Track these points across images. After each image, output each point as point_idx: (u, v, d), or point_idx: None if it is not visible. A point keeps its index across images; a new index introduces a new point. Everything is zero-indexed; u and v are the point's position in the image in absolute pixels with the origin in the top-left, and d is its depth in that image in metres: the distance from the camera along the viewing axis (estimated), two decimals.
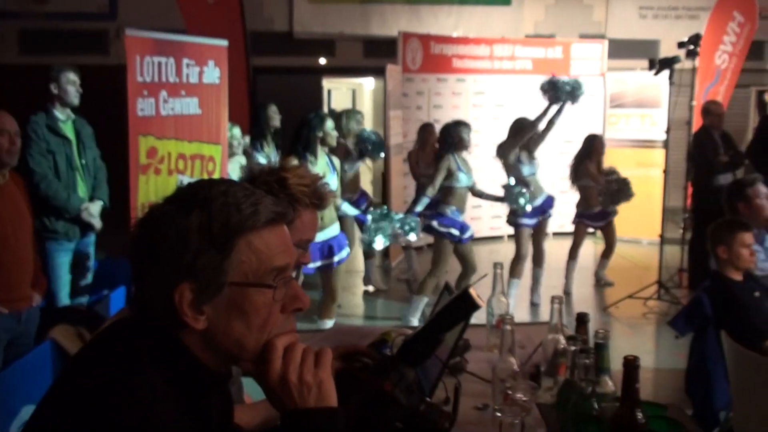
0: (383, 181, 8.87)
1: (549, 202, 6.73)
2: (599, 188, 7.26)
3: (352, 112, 7.32)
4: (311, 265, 5.03)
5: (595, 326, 2.05)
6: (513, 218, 6.62)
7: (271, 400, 1.28)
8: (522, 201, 6.21)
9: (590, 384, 1.80)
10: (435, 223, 5.92)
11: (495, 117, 9.72)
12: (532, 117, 6.73)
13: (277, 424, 1.97)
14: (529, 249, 6.69)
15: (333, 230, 5.13)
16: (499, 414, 1.82)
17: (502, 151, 6.57)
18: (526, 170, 6.53)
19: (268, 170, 2.04)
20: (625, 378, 1.69)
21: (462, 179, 5.93)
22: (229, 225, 1.21)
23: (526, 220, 6.56)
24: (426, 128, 8.01)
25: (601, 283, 7.66)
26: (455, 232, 5.88)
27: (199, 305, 1.21)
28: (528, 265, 6.82)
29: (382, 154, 7.41)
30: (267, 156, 6.49)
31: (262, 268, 1.23)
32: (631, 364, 1.68)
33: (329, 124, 5.17)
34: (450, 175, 5.90)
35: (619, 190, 7.24)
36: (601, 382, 1.89)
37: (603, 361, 1.90)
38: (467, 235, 5.96)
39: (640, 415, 1.68)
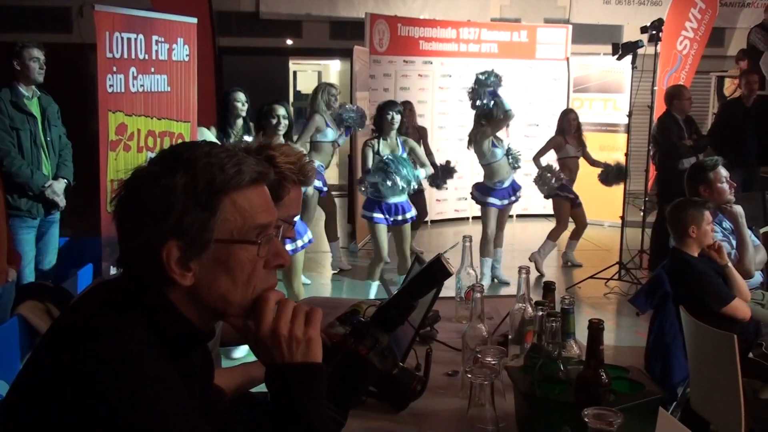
0: (349, 161, 8.91)
1: (516, 185, 6.85)
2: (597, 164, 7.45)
3: (326, 86, 7.32)
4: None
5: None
6: (481, 197, 6.75)
7: (258, 352, 1.33)
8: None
9: (556, 347, 1.88)
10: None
11: (460, 99, 9.76)
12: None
13: (252, 389, 2.04)
14: (494, 229, 6.80)
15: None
16: (469, 376, 1.89)
17: (476, 138, 6.65)
18: (498, 154, 6.64)
19: (256, 148, 2.08)
20: (590, 340, 1.77)
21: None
22: (214, 184, 1.25)
23: (493, 200, 6.68)
24: (405, 105, 8.11)
25: (568, 265, 7.78)
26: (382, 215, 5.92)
27: (185, 262, 1.25)
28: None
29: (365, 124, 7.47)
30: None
31: (246, 226, 1.28)
32: (595, 327, 1.76)
33: (281, 111, 5.25)
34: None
35: (618, 172, 7.42)
36: (566, 345, 1.97)
37: (568, 326, 1.98)
38: (401, 217, 5.95)
39: (603, 375, 1.76)
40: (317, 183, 6.91)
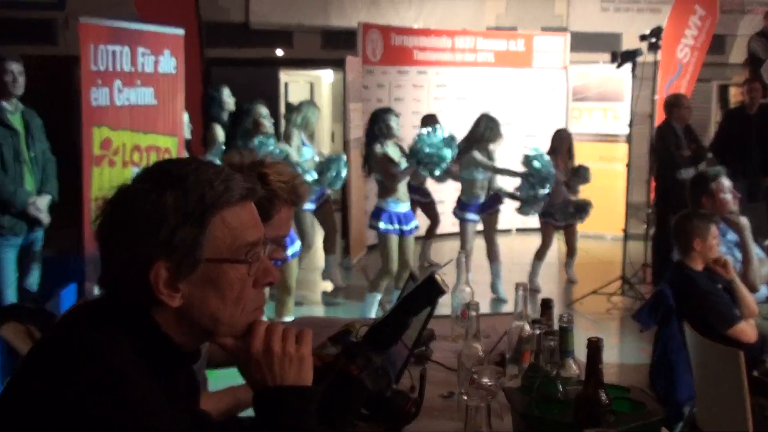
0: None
1: (494, 198, 6.92)
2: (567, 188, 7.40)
3: (307, 105, 7.30)
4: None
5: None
6: (458, 212, 6.89)
7: (248, 374, 1.33)
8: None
9: (555, 367, 1.88)
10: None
11: (456, 110, 9.82)
12: (494, 114, 6.95)
13: (238, 413, 2.04)
14: (474, 245, 6.87)
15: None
16: (465, 398, 1.90)
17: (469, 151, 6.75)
18: (479, 174, 6.77)
19: (249, 164, 2.09)
20: (589, 359, 1.77)
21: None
22: (204, 201, 1.25)
23: (469, 215, 6.78)
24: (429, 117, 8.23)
25: (569, 281, 7.79)
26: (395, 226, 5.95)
27: (174, 283, 1.25)
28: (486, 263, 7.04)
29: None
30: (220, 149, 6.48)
31: (236, 244, 1.29)
32: (594, 345, 1.77)
33: (261, 109, 5.28)
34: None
35: (578, 209, 7.39)
36: (565, 365, 1.97)
37: (567, 345, 1.98)
38: (408, 227, 6.00)
39: (603, 396, 1.76)
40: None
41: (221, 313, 1.29)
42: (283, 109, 14.87)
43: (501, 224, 9.37)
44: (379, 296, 6.04)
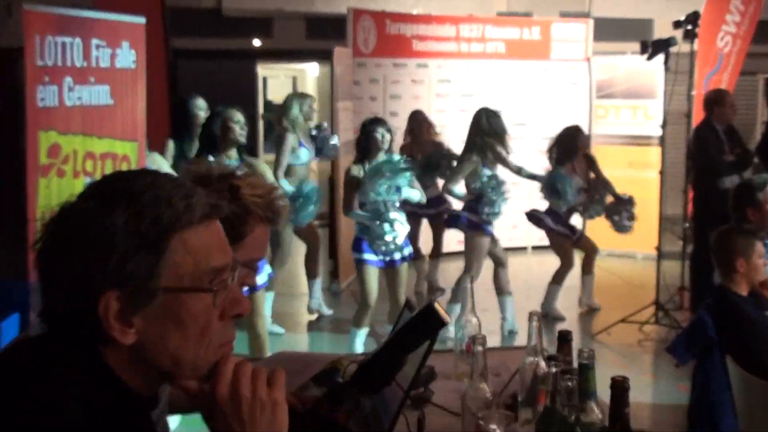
0: (330, 186, 8.92)
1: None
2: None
3: (298, 97, 7.36)
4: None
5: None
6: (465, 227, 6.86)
7: (214, 422, 1.32)
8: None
9: (574, 411, 1.88)
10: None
11: (462, 109, 9.83)
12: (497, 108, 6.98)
13: None
14: (482, 266, 6.82)
15: None
16: None
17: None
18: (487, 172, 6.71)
19: (218, 176, 2.09)
20: (614, 402, 1.77)
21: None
22: (161, 221, 1.25)
23: (486, 228, 6.74)
24: (416, 116, 8.34)
25: (586, 310, 7.75)
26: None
27: (127, 316, 1.24)
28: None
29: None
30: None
31: (199, 270, 1.28)
32: (619, 386, 1.77)
33: (232, 113, 5.27)
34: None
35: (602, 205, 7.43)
36: (586, 408, 1.96)
37: (588, 385, 1.97)
38: (398, 256, 5.94)
39: None
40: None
41: (182, 350, 1.28)
42: (262, 108, 14.96)
43: (515, 241, 9.43)
44: (363, 332, 6.04)
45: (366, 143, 5.90)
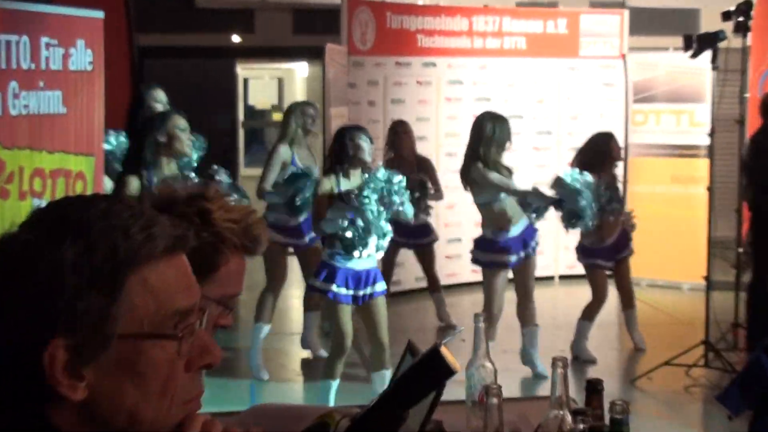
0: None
1: (530, 232, 6.88)
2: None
3: (300, 107, 7.36)
4: None
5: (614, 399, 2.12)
6: (482, 255, 6.82)
7: None
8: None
9: None
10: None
11: (476, 115, 9.82)
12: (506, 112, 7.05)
13: None
14: (502, 299, 6.82)
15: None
16: None
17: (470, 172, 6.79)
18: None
19: (185, 197, 2.08)
20: None
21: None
22: (117, 257, 1.23)
23: (496, 258, 6.73)
24: (396, 128, 8.32)
25: (634, 349, 7.74)
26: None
27: (77, 368, 1.23)
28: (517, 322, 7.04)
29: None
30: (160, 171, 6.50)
31: (162, 313, 1.27)
32: None
33: (180, 123, 5.25)
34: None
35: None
36: None
37: None
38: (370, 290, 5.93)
39: None
40: (278, 236, 6.95)
41: (141, 407, 1.28)
42: (241, 115, 14.98)
43: (539, 269, 9.41)
44: (334, 384, 6.03)
45: (342, 151, 5.83)
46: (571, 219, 6.97)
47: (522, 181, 7.29)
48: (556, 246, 9.82)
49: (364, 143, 5.81)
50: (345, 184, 5.80)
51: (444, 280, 9.57)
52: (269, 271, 7.09)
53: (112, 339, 1.24)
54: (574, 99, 10.36)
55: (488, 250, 6.87)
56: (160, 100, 6.70)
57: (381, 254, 5.98)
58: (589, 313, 7.44)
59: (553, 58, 10.31)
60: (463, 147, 9.49)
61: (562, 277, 10.01)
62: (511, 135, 6.87)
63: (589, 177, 6.93)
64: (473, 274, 9.83)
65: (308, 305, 7.57)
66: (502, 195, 6.70)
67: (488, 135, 6.72)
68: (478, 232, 9.03)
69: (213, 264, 2.04)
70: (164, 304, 1.28)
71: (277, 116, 17.40)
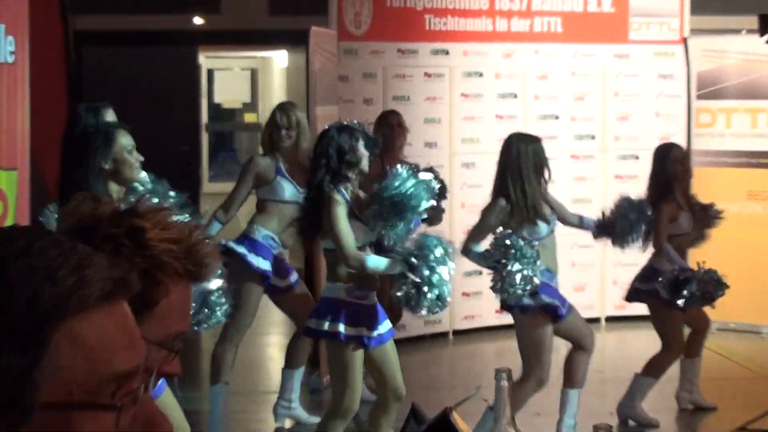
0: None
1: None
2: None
3: (284, 109, 7.39)
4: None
5: None
6: (513, 298, 6.79)
7: None
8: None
9: None
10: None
11: (499, 114, 9.86)
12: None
13: None
14: (543, 364, 6.78)
15: None
16: None
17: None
18: (542, 228, 6.70)
19: (110, 215, 2.05)
20: None
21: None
22: (40, 307, 1.23)
23: (526, 302, 6.71)
24: (391, 120, 8.33)
25: (690, 408, 7.72)
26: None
27: None
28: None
29: None
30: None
31: (96, 377, 1.27)
32: None
33: (126, 142, 5.23)
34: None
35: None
36: None
37: None
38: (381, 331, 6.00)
39: None
40: (264, 265, 6.96)
41: None
42: (205, 116, 14.94)
43: (581, 310, 9.39)
44: None
45: (340, 157, 5.87)
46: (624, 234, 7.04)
47: (557, 198, 7.25)
48: (602, 280, 9.81)
49: (360, 145, 5.92)
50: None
51: (459, 324, 9.56)
52: (233, 314, 7.04)
53: (33, 409, 1.24)
54: (623, 95, 10.36)
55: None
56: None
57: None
58: (657, 367, 7.40)
59: (595, 44, 10.33)
60: (483, 155, 9.64)
61: (610, 319, 9.99)
62: (546, 161, 6.85)
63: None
64: (498, 315, 9.82)
65: (292, 361, 7.52)
66: (543, 236, 6.69)
67: (514, 160, 6.74)
68: None
69: (150, 297, 2.01)
70: (99, 366, 1.27)
71: (250, 117, 17.46)
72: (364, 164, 5.90)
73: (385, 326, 5.99)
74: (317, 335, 6.12)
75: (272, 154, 7.17)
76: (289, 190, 7.17)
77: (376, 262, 5.84)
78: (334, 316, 5.84)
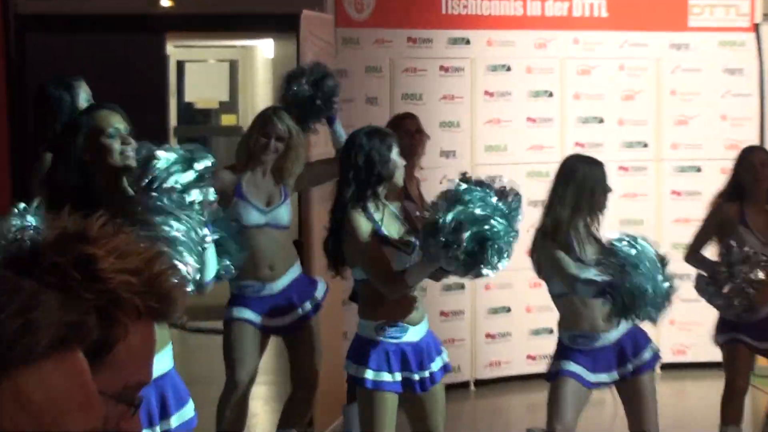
0: (299, 213, 8.92)
1: (629, 339, 6.86)
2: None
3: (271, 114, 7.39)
4: None
5: None
6: (553, 365, 6.81)
7: None
8: None
9: None
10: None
11: (531, 117, 9.87)
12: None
13: None
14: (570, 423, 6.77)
15: None
16: None
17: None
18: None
19: (54, 241, 1.99)
20: None
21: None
22: None
23: (572, 368, 6.69)
24: (407, 125, 8.28)
25: None
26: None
27: None
28: None
29: None
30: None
31: None
32: None
33: (106, 124, 5.19)
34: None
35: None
36: None
37: None
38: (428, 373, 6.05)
39: None
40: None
41: None
42: (174, 117, 15.03)
43: None
44: None
45: (370, 167, 5.87)
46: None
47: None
48: None
49: (394, 154, 6.04)
50: (377, 218, 6.01)
51: (482, 373, 9.53)
52: (232, 363, 7.02)
53: None
54: (682, 93, 10.36)
55: (561, 357, 6.82)
56: (87, 98, 6.73)
57: None
58: (732, 412, 7.50)
59: (648, 32, 10.36)
60: (510, 167, 9.62)
61: (665, 367, 9.94)
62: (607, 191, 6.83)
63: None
64: (530, 363, 9.79)
65: (286, 420, 7.52)
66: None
67: (588, 183, 6.73)
68: (536, 298, 9.07)
69: (104, 341, 1.95)
70: (48, 430, 1.30)
71: (228, 119, 17.63)
72: (399, 176, 5.90)
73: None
74: None
75: (240, 168, 7.06)
76: (256, 213, 7.08)
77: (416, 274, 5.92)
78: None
